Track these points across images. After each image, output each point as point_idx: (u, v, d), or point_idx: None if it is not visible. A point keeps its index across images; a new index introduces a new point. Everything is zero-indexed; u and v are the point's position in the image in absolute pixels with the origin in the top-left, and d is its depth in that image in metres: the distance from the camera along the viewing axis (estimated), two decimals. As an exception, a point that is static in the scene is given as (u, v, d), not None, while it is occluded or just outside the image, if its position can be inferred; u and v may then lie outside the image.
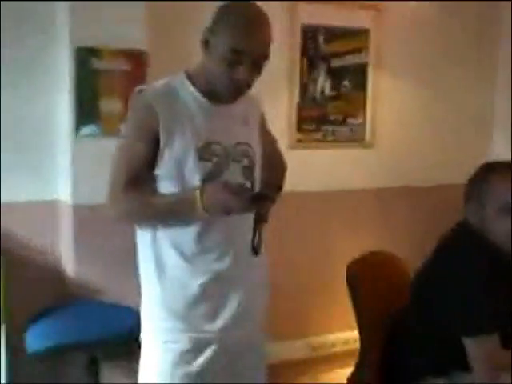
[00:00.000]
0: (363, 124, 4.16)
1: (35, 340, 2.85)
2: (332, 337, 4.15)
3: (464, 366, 2.06)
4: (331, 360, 3.91)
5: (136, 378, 2.10)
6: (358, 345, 2.47)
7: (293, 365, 3.95)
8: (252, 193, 1.94)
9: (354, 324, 2.49)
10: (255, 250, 1.95)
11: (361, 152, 4.19)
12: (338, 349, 4.10)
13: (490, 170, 2.19)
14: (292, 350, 4.05)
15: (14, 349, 2.92)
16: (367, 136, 4.18)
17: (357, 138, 4.16)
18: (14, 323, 2.93)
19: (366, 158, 4.21)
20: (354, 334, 2.52)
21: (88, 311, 3.13)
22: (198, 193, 1.84)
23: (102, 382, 3.06)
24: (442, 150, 4.42)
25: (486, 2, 4.42)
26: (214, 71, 1.90)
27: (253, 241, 1.95)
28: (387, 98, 4.22)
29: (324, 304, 4.04)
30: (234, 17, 1.89)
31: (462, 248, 2.16)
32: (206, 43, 1.92)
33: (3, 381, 2.91)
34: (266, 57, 1.90)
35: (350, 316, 2.50)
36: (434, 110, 4.41)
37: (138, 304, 2.09)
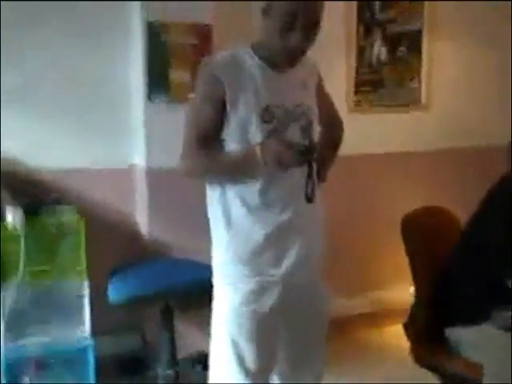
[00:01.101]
0: (419, 87, 4.27)
1: (116, 291, 3.10)
2: (394, 292, 4.25)
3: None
4: (395, 314, 4.05)
5: (207, 329, 2.27)
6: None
7: (356, 319, 4.14)
8: (303, 145, 2.07)
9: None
10: (309, 198, 2.11)
11: (417, 115, 4.31)
12: (400, 303, 4.21)
13: None
14: (355, 305, 4.22)
15: (96, 300, 3.15)
16: (423, 99, 4.30)
17: (413, 101, 4.29)
18: (95, 278, 3.15)
19: (422, 120, 4.32)
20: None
21: (163, 266, 3.39)
22: (258, 148, 2.04)
23: (176, 331, 3.30)
24: (498, 110, 4.47)
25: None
26: (271, 37, 2.07)
27: (306, 189, 2.11)
28: (443, 62, 4.31)
29: (385, 260, 4.19)
30: None
31: (508, 195, 2.33)
32: (264, 12, 2.09)
33: (87, 329, 3.17)
34: (317, 22, 2.06)
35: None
36: (491, 71, 4.48)
37: (210, 259, 2.27)
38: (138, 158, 3.54)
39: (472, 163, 4.40)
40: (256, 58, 2.14)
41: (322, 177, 2.32)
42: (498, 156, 4.23)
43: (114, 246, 3.53)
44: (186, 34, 3.41)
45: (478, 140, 4.44)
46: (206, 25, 3.43)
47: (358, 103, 4.13)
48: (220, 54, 2.21)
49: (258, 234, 2.15)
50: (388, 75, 4.18)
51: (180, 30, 3.40)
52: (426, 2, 4.18)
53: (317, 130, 2.31)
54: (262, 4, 2.10)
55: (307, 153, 2.04)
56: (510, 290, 2.21)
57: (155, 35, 3.36)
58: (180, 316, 3.36)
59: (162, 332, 3.24)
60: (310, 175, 2.11)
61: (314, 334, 2.34)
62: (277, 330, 2.23)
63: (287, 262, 2.19)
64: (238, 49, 2.19)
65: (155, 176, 3.44)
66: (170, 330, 3.25)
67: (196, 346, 3.35)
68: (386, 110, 4.23)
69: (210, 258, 2.28)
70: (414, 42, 4.21)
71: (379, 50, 4.13)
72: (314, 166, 2.15)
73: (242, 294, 2.17)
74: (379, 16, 4.09)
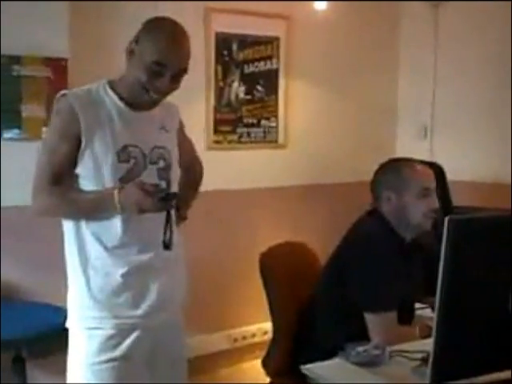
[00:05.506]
0: (276, 126, 4.40)
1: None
2: (252, 328, 4.34)
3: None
4: (252, 350, 4.10)
5: (63, 375, 2.18)
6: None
7: (215, 357, 4.12)
8: (163, 192, 2.08)
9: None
10: (166, 245, 2.09)
11: (274, 152, 4.43)
12: (258, 339, 4.30)
13: (399, 163, 2.50)
14: (213, 342, 4.22)
15: None
16: (280, 138, 4.43)
17: (270, 140, 4.40)
18: None
19: (278, 158, 4.44)
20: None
21: (13, 310, 3.18)
22: (116, 192, 2.00)
23: (28, 380, 3.12)
24: (350, 148, 4.70)
25: (385, 11, 4.78)
26: (135, 79, 2.05)
27: (164, 236, 2.09)
28: (298, 102, 4.47)
29: (243, 296, 4.20)
30: (159, 31, 2.06)
31: (367, 232, 2.42)
32: (130, 53, 2.07)
33: None
34: (185, 70, 2.08)
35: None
36: (342, 112, 4.70)
37: (65, 302, 2.18)
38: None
39: (328, 199, 4.57)
40: (113, 96, 2.11)
41: (182, 216, 2.31)
42: (349, 193, 4.46)
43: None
44: (40, 67, 3.31)
45: (334, 177, 4.62)
46: (59, 58, 3.35)
47: (217, 142, 4.17)
48: (78, 89, 2.16)
49: (115, 273, 2.10)
50: (246, 114, 4.27)
51: (33, 62, 3.30)
52: (282, 45, 4.33)
53: (177, 172, 2.30)
54: (122, 43, 2.09)
55: (167, 200, 2.04)
56: (363, 324, 2.29)
57: (6, 68, 3.24)
58: (34, 363, 3.20)
59: (14, 382, 3.05)
60: (168, 222, 2.10)
61: (173, 375, 2.30)
62: (136, 375, 2.17)
63: (146, 303, 2.15)
64: (96, 84, 2.14)
65: (8, 215, 3.26)
66: (23, 379, 3.07)
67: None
68: (244, 147, 4.30)
69: (64, 300, 2.19)
70: (270, 81, 4.33)
71: (238, 90, 4.21)
72: (172, 213, 2.13)
73: (99, 340, 2.10)
74: (237, 56, 4.17)
